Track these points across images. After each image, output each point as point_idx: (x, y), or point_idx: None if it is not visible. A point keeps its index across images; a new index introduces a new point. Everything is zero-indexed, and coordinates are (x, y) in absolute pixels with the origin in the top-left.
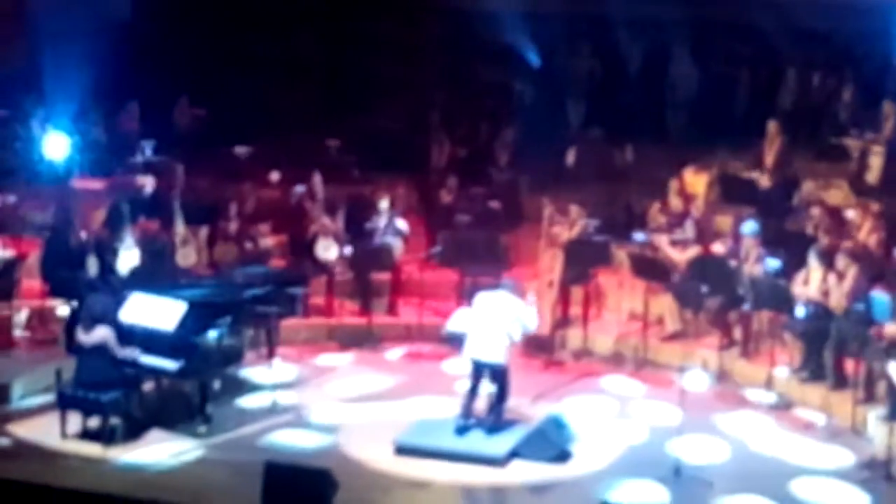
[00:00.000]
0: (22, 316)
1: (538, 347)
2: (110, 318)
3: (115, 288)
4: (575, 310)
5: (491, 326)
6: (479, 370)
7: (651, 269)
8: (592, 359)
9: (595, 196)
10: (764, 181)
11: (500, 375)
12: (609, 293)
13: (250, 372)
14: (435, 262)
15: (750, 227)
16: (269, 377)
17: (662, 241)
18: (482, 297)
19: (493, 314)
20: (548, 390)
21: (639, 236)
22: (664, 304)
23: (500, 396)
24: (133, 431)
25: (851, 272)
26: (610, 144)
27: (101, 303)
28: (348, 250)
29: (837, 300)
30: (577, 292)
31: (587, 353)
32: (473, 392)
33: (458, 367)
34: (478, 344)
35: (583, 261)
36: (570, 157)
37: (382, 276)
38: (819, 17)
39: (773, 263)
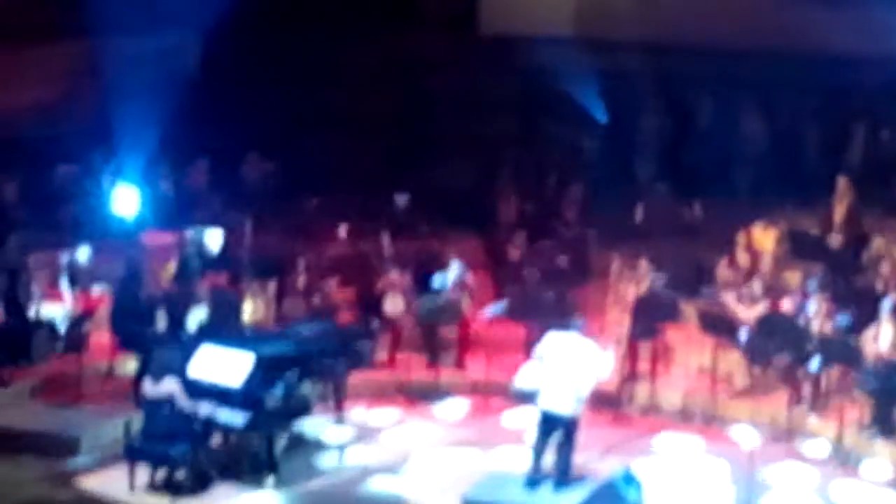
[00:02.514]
0: (91, 369)
1: (606, 402)
2: (178, 371)
3: (184, 341)
4: (643, 365)
5: (563, 376)
6: (549, 423)
7: (719, 325)
8: (660, 414)
9: (663, 251)
10: (833, 237)
11: (570, 428)
12: (677, 349)
13: (318, 425)
14: (502, 318)
15: (818, 283)
16: (336, 430)
17: (731, 297)
18: (552, 339)
19: (565, 361)
20: (615, 445)
21: (707, 292)
22: (732, 361)
23: (569, 450)
24: (200, 484)
25: None
26: (678, 200)
27: (168, 356)
28: (416, 305)
29: None
30: (645, 348)
31: (655, 408)
32: (543, 445)
33: (525, 420)
34: (550, 395)
35: (651, 316)
36: (639, 213)
37: (450, 331)
38: (888, 73)
39: (843, 320)
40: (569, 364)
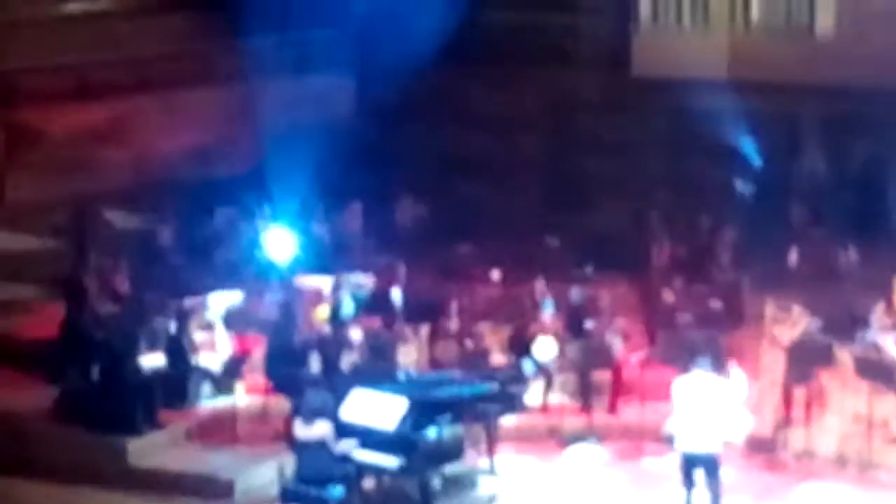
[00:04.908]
0: (245, 412)
1: (760, 447)
2: (330, 414)
3: (337, 384)
4: (797, 410)
5: (697, 415)
6: (690, 463)
7: (875, 370)
8: (815, 460)
9: (818, 296)
10: None
11: (711, 467)
12: (832, 394)
13: (471, 469)
14: (656, 362)
15: None
16: (489, 475)
17: (887, 341)
18: (684, 380)
19: (698, 399)
20: (769, 490)
21: (862, 337)
22: (888, 406)
23: (717, 489)
24: None
25: None
26: (833, 244)
27: (321, 398)
28: (569, 349)
29: None
30: (799, 392)
31: (809, 454)
32: (690, 486)
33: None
34: (687, 436)
35: (805, 361)
36: (793, 257)
37: (603, 375)
38: None
39: None
40: (700, 402)
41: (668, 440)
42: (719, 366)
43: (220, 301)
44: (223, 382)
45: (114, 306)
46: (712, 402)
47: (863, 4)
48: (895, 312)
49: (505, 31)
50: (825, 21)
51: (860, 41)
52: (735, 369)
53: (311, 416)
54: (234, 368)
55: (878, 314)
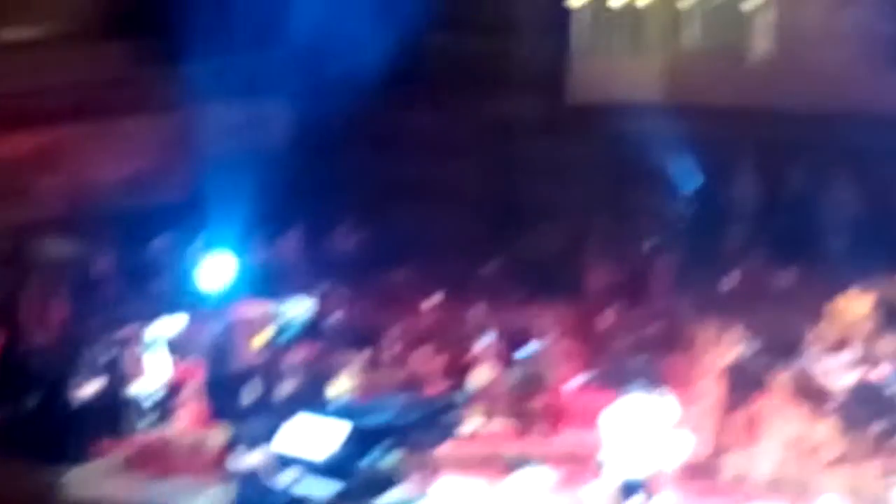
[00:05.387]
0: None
1: (696, 471)
2: (269, 442)
3: (275, 412)
4: (733, 435)
5: (633, 438)
6: (628, 490)
7: (811, 394)
8: (751, 484)
9: (755, 320)
10: None
11: (649, 493)
12: (768, 419)
13: (410, 497)
14: (593, 387)
15: None
16: (425, 502)
17: (823, 365)
18: (617, 410)
19: (633, 424)
20: None
21: (799, 361)
22: (825, 431)
23: None
24: None
25: None
26: (770, 268)
27: (259, 426)
28: (506, 374)
29: None
30: (735, 417)
31: (746, 478)
32: None
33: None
34: (623, 460)
35: (742, 385)
36: (730, 281)
37: (540, 400)
38: None
39: None
40: (638, 427)
41: (605, 466)
42: (656, 390)
43: (158, 329)
44: (161, 411)
45: (50, 335)
46: (649, 427)
47: (797, 28)
48: (831, 336)
49: (443, 56)
50: (760, 44)
51: (795, 64)
52: (672, 394)
53: (249, 443)
54: (171, 397)
55: (814, 338)
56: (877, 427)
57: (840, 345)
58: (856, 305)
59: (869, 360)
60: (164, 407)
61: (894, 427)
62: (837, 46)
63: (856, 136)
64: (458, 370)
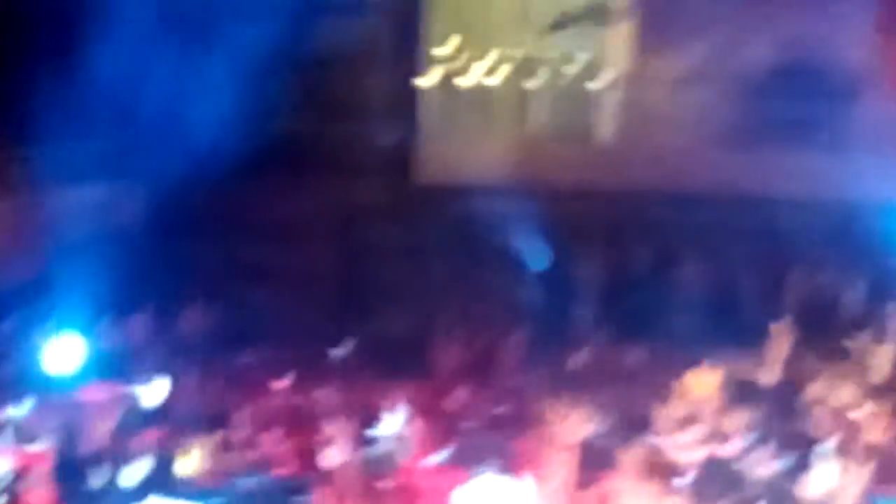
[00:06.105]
0: None
1: None
2: None
3: (124, 496)
4: None
5: None
6: None
7: (660, 471)
8: None
9: (603, 398)
10: (771, 382)
11: None
12: (618, 497)
13: None
14: (443, 468)
15: (756, 430)
16: None
17: (671, 443)
18: (466, 490)
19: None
20: None
21: (648, 438)
22: None
23: None
24: None
25: (859, 474)
26: (617, 347)
27: None
28: (356, 456)
29: (846, 502)
30: (585, 496)
31: None
32: None
33: None
34: None
35: (591, 464)
36: (578, 360)
37: (389, 482)
38: (826, 218)
39: (782, 465)
40: None
41: None
42: (507, 470)
43: (4, 415)
44: (8, 497)
45: None
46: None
47: (640, 110)
48: (679, 413)
49: (293, 140)
50: (605, 126)
51: (639, 146)
52: (524, 473)
53: None
54: (14, 485)
55: (662, 415)
56: (725, 502)
57: (689, 421)
58: (703, 382)
59: (717, 435)
60: (11, 493)
61: (741, 502)
62: (682, 128)
63: (700, 215)
64: (310, 451)
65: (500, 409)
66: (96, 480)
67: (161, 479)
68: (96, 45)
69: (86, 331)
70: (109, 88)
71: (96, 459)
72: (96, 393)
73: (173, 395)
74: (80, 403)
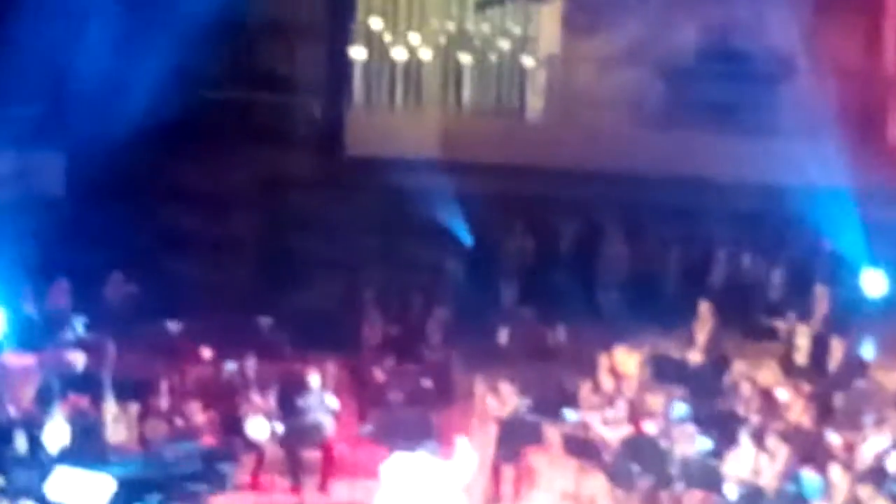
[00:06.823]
0: None
1: None
2: (36, 494)
3: (43, 464)
4: (506, 489)
5: (405, 493)
6: None
7: (582, 448)
8: None
9: (527, 375)
10: (695, 361)
11: None
12: (540, 472)
13: None
14: (367, 440)
15: (680, 408)
16: None
17: (594, 420)
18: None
19: (405, 478)
20: None
21: (570, 415)
22: (596, 484)
23: None
24: None
25: (782, 452)
26: (542, 323)
27: (26, 477)
28: (279, 427)
29: (769, 480)
30: (508, 471)
31: None
32: None
33: None
34: None
35: (514, 440)
36: (503, 336)
37: (313, 454)
38: (750, 200)
39: (705, 443)
40: (410, 481)
41: None
42: (430, 445)
43: None
44: None
45: None
46: (422, 482)
47: (570, 89)
48: (602, 391)
49: (218, 110)
50: (535, 103)
51: (568, 124)
52: (446, 447)
53: (15, 495)
54: None
55: (585, 393)
56: (647, 479)
57: (611, 399)
58: (626, 360)
59: (638, 413)
60: None
61: (664, 479)
62: (608, 107)
63: (626, 194)
64: (233, 422)
65: (424, 384)
66: (14, 448)
67: (84, 446)
68: (16, 12)
69: (5, 300)
70: (31, 56)
71: (15, 426)
72: (17, 359)
73: (95, 363)
74: (2, 369)
